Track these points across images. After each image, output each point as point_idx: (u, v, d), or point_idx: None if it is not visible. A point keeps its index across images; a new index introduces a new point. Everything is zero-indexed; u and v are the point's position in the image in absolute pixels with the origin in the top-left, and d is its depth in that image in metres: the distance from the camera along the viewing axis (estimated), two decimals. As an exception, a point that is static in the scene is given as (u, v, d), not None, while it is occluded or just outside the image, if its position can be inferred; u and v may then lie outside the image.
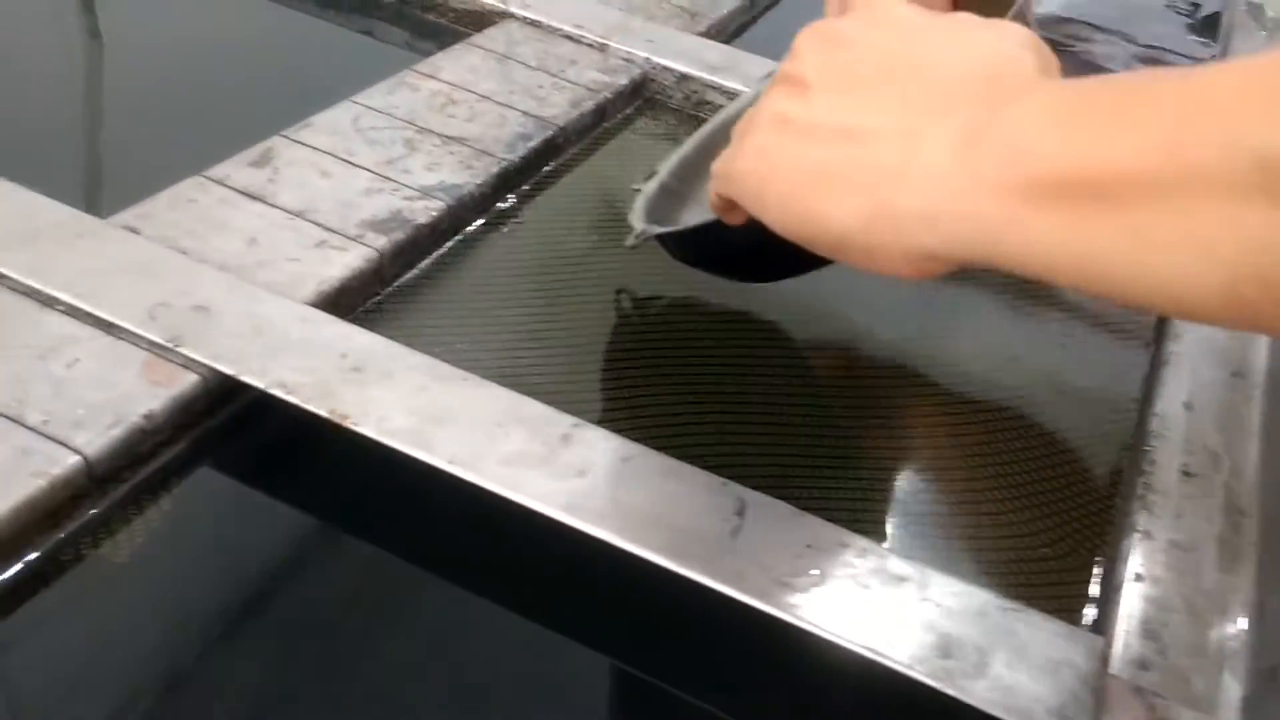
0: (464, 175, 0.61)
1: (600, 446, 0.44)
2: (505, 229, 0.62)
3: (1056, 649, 0.39)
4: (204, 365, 0.45)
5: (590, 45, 0.77)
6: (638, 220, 0.56)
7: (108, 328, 0.46)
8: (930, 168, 0.33)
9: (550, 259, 0.61)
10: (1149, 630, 0.42)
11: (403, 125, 0.64)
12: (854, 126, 0.35)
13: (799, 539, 0.41)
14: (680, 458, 0.44)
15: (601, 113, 0.73)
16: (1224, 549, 0.46)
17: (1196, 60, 1.02)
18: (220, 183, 0.56)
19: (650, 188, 0.59)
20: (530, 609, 0.43)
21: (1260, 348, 0.59)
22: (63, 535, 0.40)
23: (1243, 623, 0.43)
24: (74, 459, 0.40)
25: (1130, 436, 0.54)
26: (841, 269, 0.55)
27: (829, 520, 0.43)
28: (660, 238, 0.55)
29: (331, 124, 0.63)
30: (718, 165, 0.42)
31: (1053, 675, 0.38)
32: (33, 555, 0.40)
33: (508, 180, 0.64)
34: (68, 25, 0.80)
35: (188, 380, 0.44)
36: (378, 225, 0.56)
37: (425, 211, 0.57)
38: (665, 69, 0.77)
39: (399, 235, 0.55)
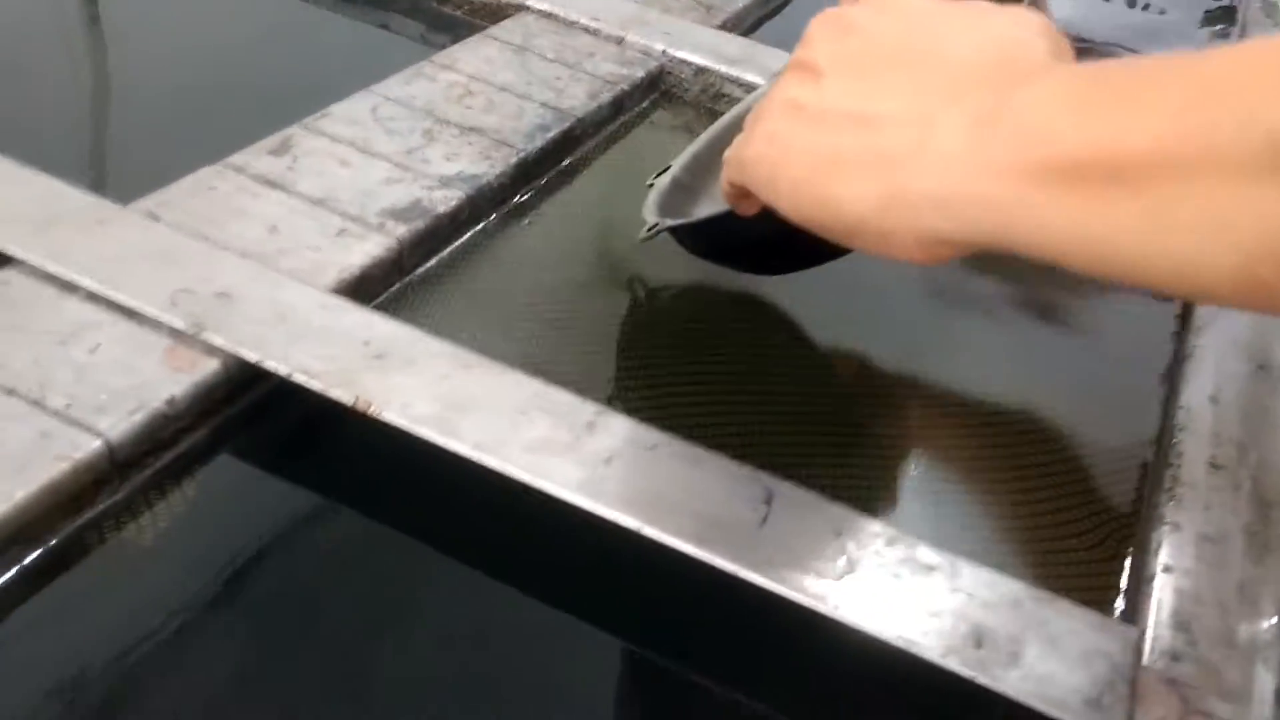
0: (483, 165, 0.61)
1: (625, 434, 0.44)
2: (525, 220, 0.62)
3: (1090, 639, 0.39)
4: (226, 352, 0.45)
5: (607, 38, 0.77)
6: (650, 214, 0.57)
7: (129, 314, 0.46)
8: (943, 151, 0.33)
9: (570, 250, 0.60)
10: (1180, 622, 0.41)
11: (421, 115, 0.64)
12: (866, 111, 0.35)
13: (827, 527, 0.41)
14: (703, 447, 0.44)
15: (619, 105, 0.72)
16: (1253, 541, 0.46)
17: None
18: (240, 171, 0.56)
19: (663, 182, 0.59)
20: (555, 597, 0.42)
21: (1285, 341, 0.59)
22: (84, 520, 0.40)
23: (1273, 615, 0.42)
24: (96, 443, 0.40)
25: (1155, 430, 0.54)
26: (857, 260, 0.55)
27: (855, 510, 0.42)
28: (673, 230, 0.55)
29: (350, 114, 0.63)
30: (730, 153, 0.42)
31: (1087, 666, 0.38)
32: (54, 540, 0.39)
33: (526, 171, 0.63)
34: (87, 15, 0.80)
35: (210, 366, 0.44)
36: (398, 214, 0.55)
37: (445, 201, 0.57)
38: (682, 62, 0.76)
39: (419, 224, 0.55)
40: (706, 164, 0.60)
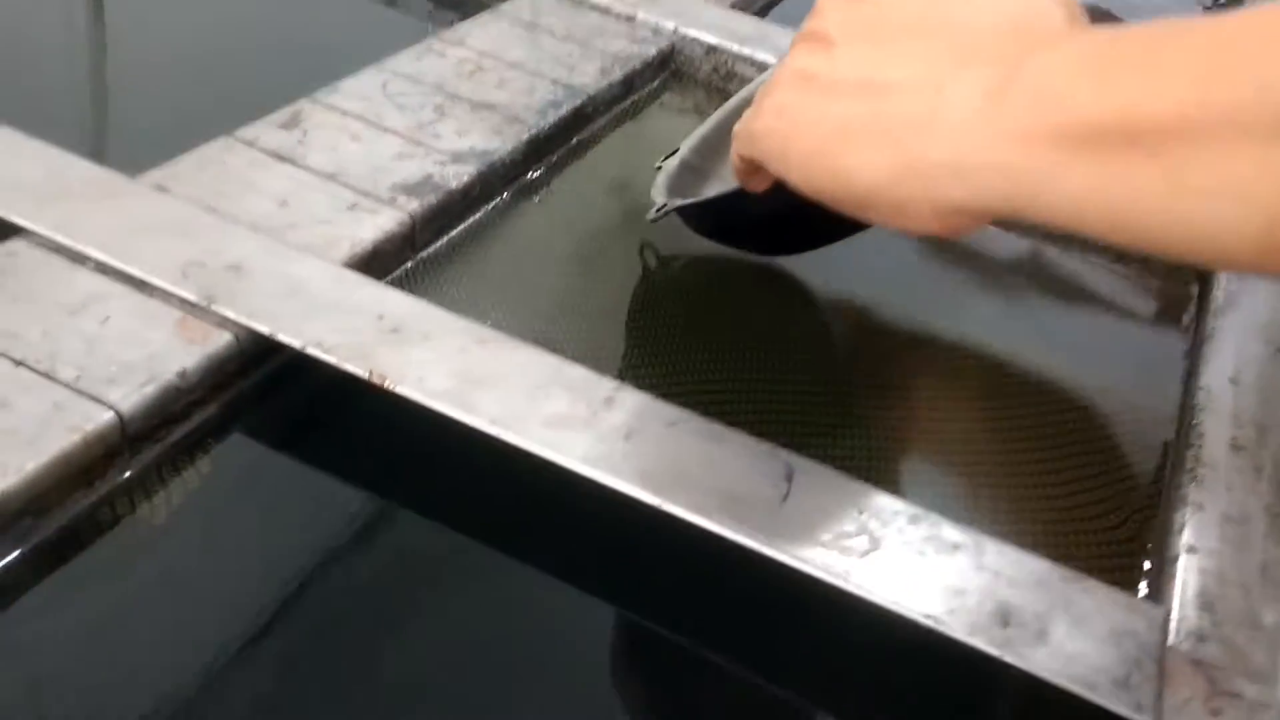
0: (495, 141, 0.60)
1: (644, 410, 0.43)
2: (536, 197, 0.61)
3: (1117, 619, 0.38)
4: (239, 324, 0.44)
5: (618, 16, 0.76)
6: (659, 195, 0.56)
7: (139, 285, 0.45)
8: (959, 119, 0.32)
9: (582, 227, 0.60)
10: (1205, 603, 0.41)
11: (431, 91, 0.63)
12: (879, 80, 0.35)
13: (849, 505, 0.41)
14: (722, 423, 0.43)
15: (630, 83, 0.71)
16: (1275, 523, 0.45)
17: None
18: (249, 144, 0.55)
19: (672, 165, 0.59)
20: (572, 574, 0.42)
21: (1304, 324, 0.58)
22: (95, 494, 0.39)
23: (1298, 597, 0.42)
24: (108, 415, 0.39)
25: (1175, 410, 0.53)
26: (872, 236, 0.55)
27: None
28: (682, 210, 0.54)
29: (359, 89, 0.62)
30: (739, 126, 0.41)
31: (1115, 645, 0.37)
32: (65, 513, 0.38)
33: (538, 148, 0.63)
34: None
35: (222, 339, 0.43)
36: (410, 189, 0.55)
37: (457, 176, 0.56)
38: (693, 40, 0.76)
39: (431, 199, 0.54)
40: (715, 146, 0.59)
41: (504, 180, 0.60)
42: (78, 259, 0.46)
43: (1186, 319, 0.61)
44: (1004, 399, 0.53)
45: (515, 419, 0.42)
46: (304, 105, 0.60)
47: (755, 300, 0.57)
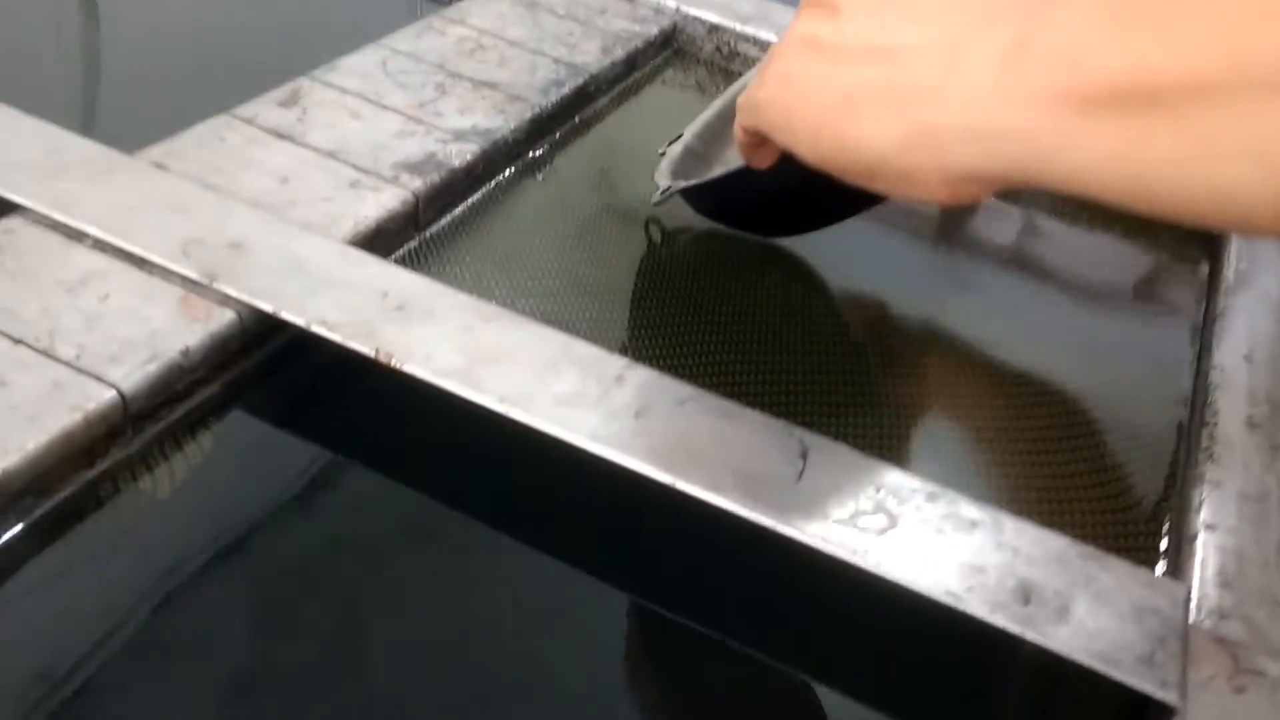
0: (497, 119, 0.59)
1: (655, 388, 0.42)
2: (539, 176, 0.60)
3: (1140, 596, 0.37)
4: (241, 302, 0.43)
5: (619, -5, 0.75)
6: (663, 179, 0.56)
7: (139, 263, 0.44)
8: (972, 82, 0.31)
9: (586, 206, 0.59)
10: (1225, 580, 0.40)
11: (432, 69, 0.62)
12: (888, 44, 0.34)
13: (866, 482, 0.40)
14: (734, 401, 0.43)
15: (632, 62, 0.71)
16: (1293, 501, 0.45)
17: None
18: (248, 122, 0.54)
19: (675, 150, 0.59)
20: (584, 555, 0.41)
21: (1316, 302, 0.58)
22: (96, 473, 0.39)
23: (1317, 575, 0.42)
24: (110, 393, 0.38)
25: (1188, 389, 0.53)
26: (882, 211, 0.54)
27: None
28: (685, 192, 0.54)
29: (359, 66, 0.61)
30: (743, 98, 0.40)
31: (1138, 623, 0.36)
32: (66, 492, 0.38)
33: (541, 126, 0.62)
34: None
35: (225, 317, 0.42)
36: (412, 167, 0.54)
37: (460, 154, 0.55)
38: (695, 19, 0.75)
39: (435, 177, 0.53)
40: (718, 131, 0.59)
41: (507, 159, 0.59)
42: (76, 236, 0.45)
43: (1197, 297, 0.60)
44: (1015, 378, 0.53)
45: (525, 397, 0.41)
46: (303, 83, 0.59)
47: (761, 277, 0.56)
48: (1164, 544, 0.44)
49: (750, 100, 0.39)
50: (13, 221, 0.45)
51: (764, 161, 0.43)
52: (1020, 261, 0.63)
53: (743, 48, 0.74)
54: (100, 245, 0.44)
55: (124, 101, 0.63)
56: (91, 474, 0.38)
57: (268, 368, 0.45)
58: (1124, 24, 0.29)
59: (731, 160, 0.50)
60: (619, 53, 0.69)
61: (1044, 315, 0.58)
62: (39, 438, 0.36)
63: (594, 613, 0.40)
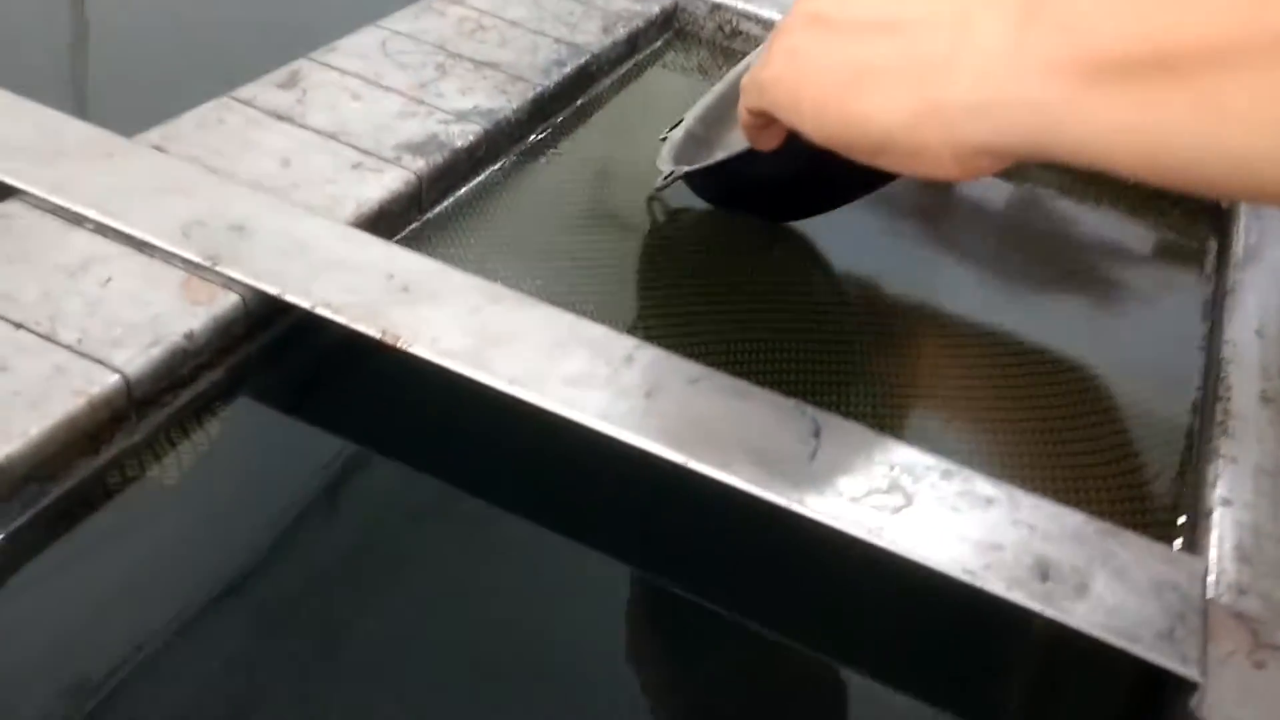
0: (500, 100, 0.58)
1: (665, 367, 0.42)
2: (542, 157, 0.59)
3: (1158, 571, 0.37)
4: (245, 285, 0.42)
5: (619, -26, 0.74)
6: (665, 164, 0.55)
7: (140, 246, 0.43)
8: (982, 54, 0.31)
9: (589, 187, 0.58)
10: (1243, 555, 0.40)
11: (433, 50, 0.62)
12: (895, 18, 0.33)
13: (880, 461, 0.39)
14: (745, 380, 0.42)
15: (633, 42, 0.70)
16: (1308, 475, 0.45)
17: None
18: (247, 104, 0.54)
19: (677, 135, 0.58)
20: (595, 536, 0.41)
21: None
22: (100, 460, 0.38)
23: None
24: (113, 378, 0.38)
25: (1200, 365, 0.52)
26: (890, 187, 0.54)
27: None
28: (689, 177, 0.53)
29: (358, 47, 0.60)
30: (747, 79, 0.40)
31: (1157, 598, 0.36)
32: (70, 480, 0.37)
33: (543, 107, 0.61)
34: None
35: (228, 300, 0.42)
36: (415, 148, 0.53)
37: (463, 135, 0.55)
38: (697, -2, 0.74)
39: (437, 158, 0.53)
40: (720, 115, 0.59)
41: (510, 140, 0.58)
42: (75, 220, 0.44)
43: (1206, 273, 0.60)
44: (1026, 355, 0.52)
45: (534, 378, 0.40)
46: (302, 64, 0.58)
47: (767, 255, 0.56)
48: (1180, 520, 0.44)
49: (755, 80, 0.39)
50: (11, 206, 0.44)
51: (769, 143, 0.43)
52: (1028, 239, 0.62)
53: (745, 26, 0.73)
54: (101, 229, 0.44)
55: (117, 85, 0.62)
56: (97, 461, 0.38)
57: (272, 351, 0.44)
58: None
59: (734, 143, 0.50)
60: (620, 32, 0.68)
61: (1053, 292, 0.58)
62: (42, 423, 0.36)
63: (606, 594, 0.40)
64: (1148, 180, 0.29)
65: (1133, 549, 0.38)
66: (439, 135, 0.54)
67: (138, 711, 0.32)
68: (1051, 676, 0.40)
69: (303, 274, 0.43)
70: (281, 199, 0.47)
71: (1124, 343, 0.54)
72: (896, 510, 0.38)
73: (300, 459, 0.42)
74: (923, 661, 0.39)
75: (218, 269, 0.43)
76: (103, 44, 0.67)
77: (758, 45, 0.73)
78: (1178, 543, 0.43)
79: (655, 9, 0.72)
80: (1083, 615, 0.35)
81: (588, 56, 0.65)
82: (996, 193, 0.64)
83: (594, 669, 0.37)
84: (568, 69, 0.63)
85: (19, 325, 0.39)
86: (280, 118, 0.53)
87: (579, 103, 0.64)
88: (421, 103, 0.57)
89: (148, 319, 0.40)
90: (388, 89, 0.57)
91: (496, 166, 0.57)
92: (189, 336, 0.40)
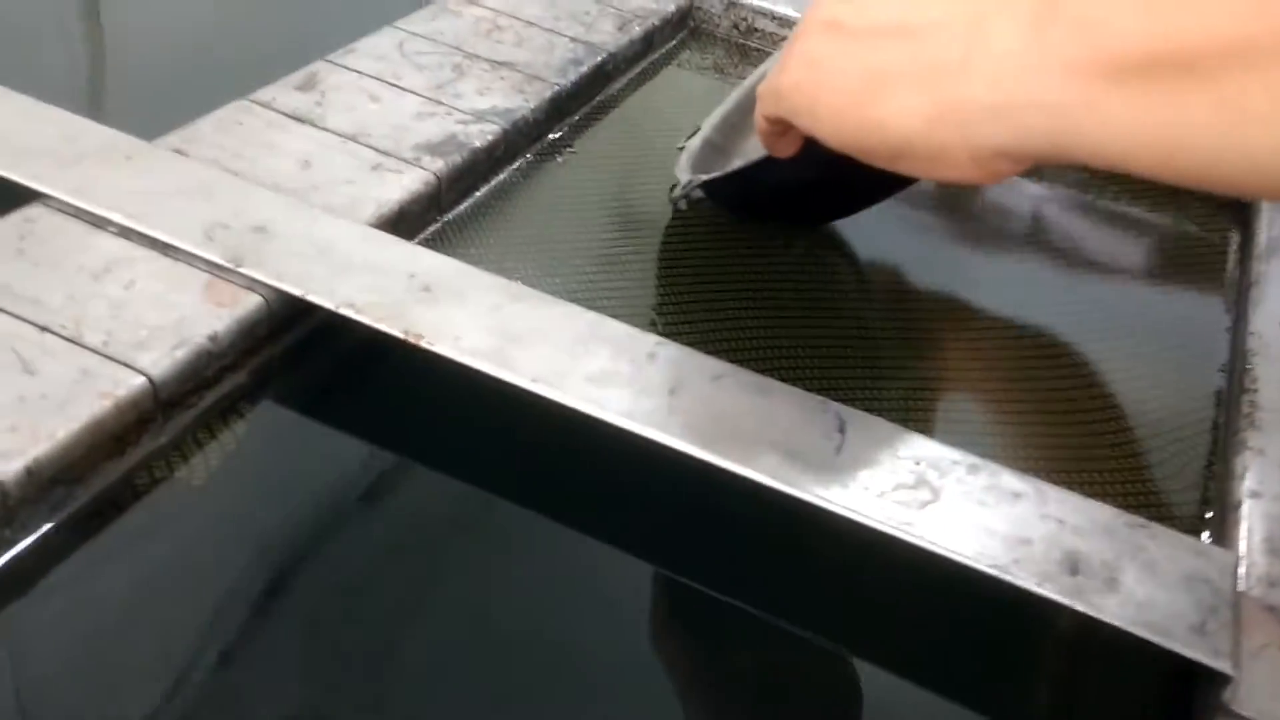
0: (517, 100, 0.58)
1: (688, 365, 0.42)
2: (559, 157, 0.59)
3: (1189, 564, 0.37)
4: (268, 286, 0.42)
5: (633, -28, 0.74)
6: (683, 173, 0.55)
7: (163, 249, 0.43)
8: (999, 56, 0.31)
9: (608, 186, 0.58)
10: (1273, 548, 0.40)
11: (449, 50, 0.62)
12: (911, 22, 0.33)
13: (906, 456, 0.39)
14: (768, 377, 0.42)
15: (649, 40, 0.70)
16: (1337, 467, 0.44)
17: None
18: (267, 106, 0.54)
19: (694, 143, 0.58)
20: (620, 535, 0.41)
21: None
22: (128, 463, 0.38)
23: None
24: (139, 380, 0.38)
25: (1225, 357, 0.52)
26: (910, 191, 0.53)
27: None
28: (706, 186, 0.53)
29: (375, 49, 0.60)
30: (764, 86, 0.40)
31: (1188, 592, 0.36)
32: (98, 482, 0.37)
33: (560, 106, 0.61)
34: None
35: (251, 301, 0.42)
36: (433, 148, 0.53)
37: (481, 135, 0.55)
38: (712, -5, 0.74)
39: (456, 159, 0.53)
40: (737, 124, 0.59)
41: (528, 139, 0.58)
42: (98, 223, 0.44)
43: (1229, 265, 0.60)
44: (1049, 350, 0.52)
45: (557, 376, 0.40)
46: (320, 67, 0.58)
47: (786, 250, 0.55)
48: (1208, 512, 0.44)
49: (772, 87, 0.38)
50: (34, 210, 0.45)
51: (787, 150, 0.43)
52: (1048, 234, 0.62)
53: (761, 23, 0.73)
54: (124, 231, 0.44)
55: (133, 89, 0.63)
56: (124, 463, 0.38)
57: (295, 353, 0.44)
58: None
59: (752, 151, 0.50)
60: (636, 30, 0.68)
61: (1075, 287, 0.58)
62: (69, 426, 0.36)
63: (632, 592, 0.40)
64: (1168, 181, 0.29)
65: (1162, 542, 0.38)
66: (457, 135, 0.54)
67: (167, 713, 0.32)
68: (1080, 671, 0.39)
69: (325, 275, 0.43)
70: (302, 201, 0.47)
71: (1148, 336, 0.54)
72: (924, 505, 0.38)
73: (325, 459, 0.42)
74: (950, 657, 0.39)
75: (241, 270, 0.43)
76: (119, 49, 0.67)
77: (774, 42, 0.73)
78: (1205, 536, 0.43)
79: (671, 7, 0.72)
80: (1114, 609, 0.35)
81: (604, 55, 0.65)
82: (1018, 187, 0.64)
83: (619, 668, 0.37)
84: (584, 68, 0.63)
85: (45, 329, 0.39)
86: (299, 120, 0.53)
87: (596, 101, 0.64)
88: (439, 103, 0.57)
89: (172, 321, 0.40)
90: (406, 90, 0.57)
91: (515, 166, 0.57)
92: (213, 338, 0.40)
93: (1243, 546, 0.40)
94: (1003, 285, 0.57)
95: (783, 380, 0.42)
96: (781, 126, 0.40)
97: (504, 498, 0.42)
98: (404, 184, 0.50)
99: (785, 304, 0.52)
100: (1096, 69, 0.29)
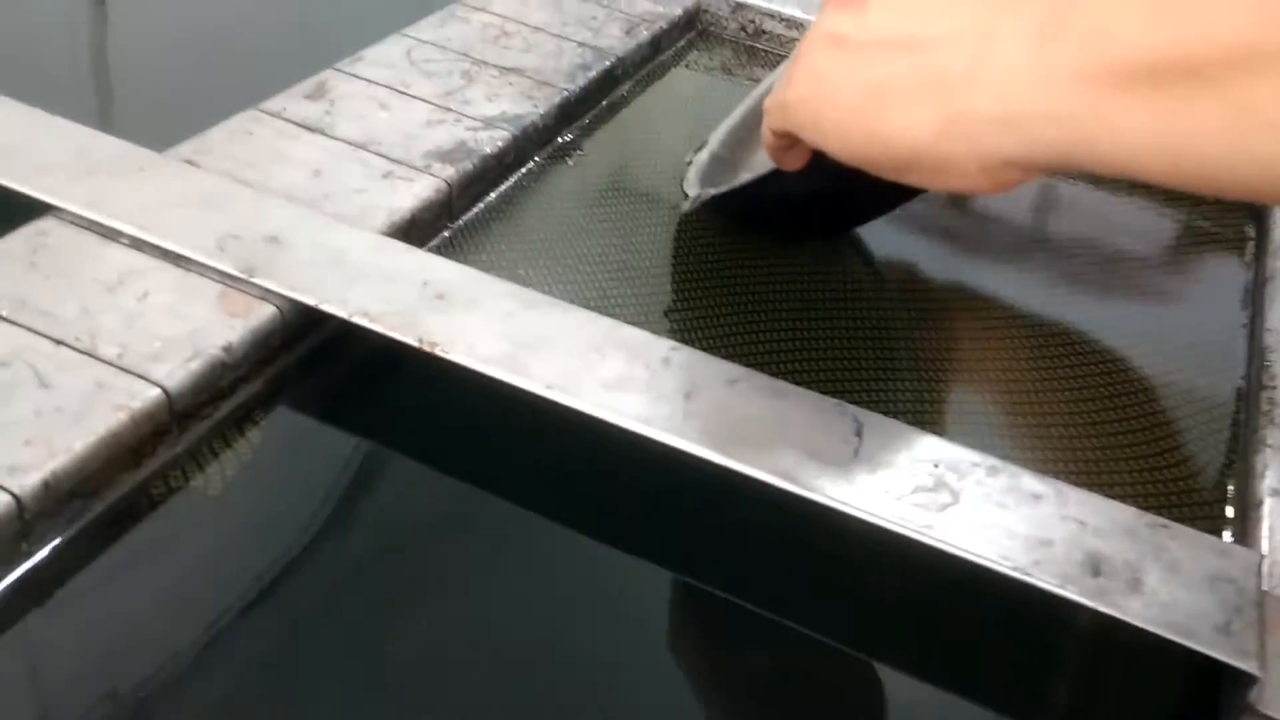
0: (526, 105, 0.58)
1: (703, 369, 0.42)
2: (570, 161, 0.59)
3: (1212, 564, 0.36)
4: (281, 296, 0.42)
5: (640, -24, 0.74)
6: (691, 187, 0.55)
7: (176, 260, 0.43)
8: (1006, 66, 0.30)
9: (619, 190, 0.58)
10: (1295, 547, 0.39)
11: (457, 57, 0.62)
12: (917, 35, 0.33)
13: (924, 458, 0.39)
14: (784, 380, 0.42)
15: (657, 44, 0.70)
16: (1358, 464, 0.44)
17: None
18: (276, 115, 0.54)
19: (701, 157, 0.58)
20: (636, 540, 0.40)
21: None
22: (143, 474, 0.38)
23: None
24: (154, 392, 0.38)
25: (1243, 354, 0.52)
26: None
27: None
28: (715, 200, 0.53)
29: (384, 57, 0.60)
30: (770, 100, 0.40)
31: (1211, 592, 0.36)
32: (113, 494, 0.37)
33: (569, 111, 0.61)
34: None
35: (265, 312, 0.42)
36: (444, 156, 0.53)
37: (491, 141, 0.55)
38: (719, -2, 0.74)
39: (467, 165, 0.53)
40: (743, 138, 0.58)
41: (537, 145, 0.58)
42: (110, 235, 0.44)
43: (1245, 262, 0.59)
44: (1065, 349, 0.52)
45: (572, 382, 0.40)
46: (329, 75, 0.58)
47: (798, 253, 0.55)
48: (1229, 511, 0.43)
49: (778, 101, 0.38)
50: (46, 222, 0.45)
51: (794, 163, 0.43)
52: (1061, 233, 0.62)
53: (768, 25, 0.73)
54: (136, 243, 0.44)
55: (141, 100, 0.63)
56: (140, 474, 0.38)
57: (309, 362, 0.44)
58: None
59: (759, 165, 0.50)
60: (643, 34, 0.68)
61: (1090, 284, 0.57)
62: (86, 438, 0.36)
63: (648, 597, 0.40)
64: (1178, 187, 0.29)
65: (1184, 542, 0.37)
66: (467, 142, 0.54)
67: (188, 725, 0.32)
68: (1103, 672, 0.39)
69: (338, 284, 0.43)
70: (314, 210, 0.47)
71: (1165, 334, 0.54)
72: (943, 508, 0.37)
73: (340, 468, 0.42)
74: (971, 660, 0.39)
75: (254, 280, 0.43)
76: (127, 61, 0.67)
77: (781, 43, 0.73)
78: (1227, 535, 0.42)
79: (678, 10, 0.72)
80: (1138, 611, 0.35)
81: (612, 60, 0.65)
82: (1033, 187, 0.63)
83: (636, 672, 0.37)
84: (592, 73, 0.63)
85: (60, 342, 0.39)
86: (310, 129, 0.53)
87: (604, 105, 0.64)
88: (449, 110, 0.57)
89: (186, 332, 0.40)
90: (415, 97, 0.57)
91: (525, 171, 0.57)
92: (227, 349, 0.40)
93: (1265, 545, 0.39)
94: (1015, 285, 0.56)
95: (798, 383, 0.42)
96: (788, 140, 0.40)
97: (520, 505, 0.42)
98: (415, 191, 0.50)
99: (799, 306, 0.51)
100: (1104, 78, 0.28)
